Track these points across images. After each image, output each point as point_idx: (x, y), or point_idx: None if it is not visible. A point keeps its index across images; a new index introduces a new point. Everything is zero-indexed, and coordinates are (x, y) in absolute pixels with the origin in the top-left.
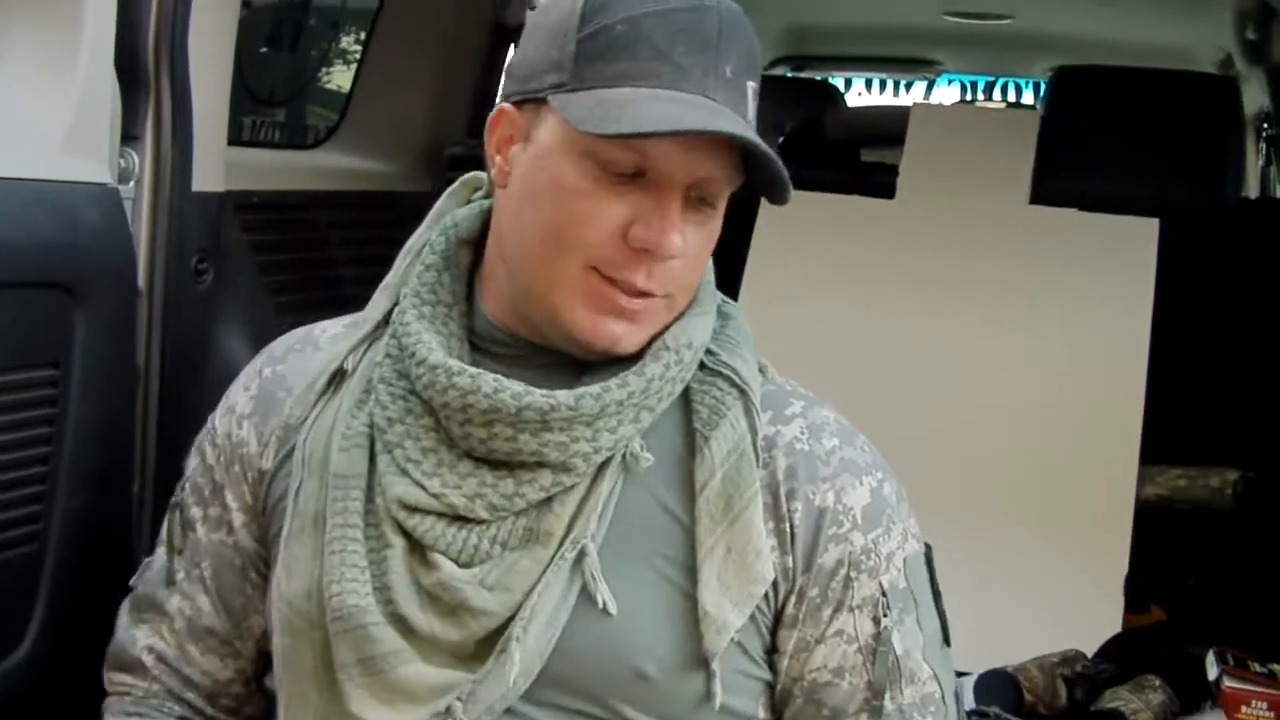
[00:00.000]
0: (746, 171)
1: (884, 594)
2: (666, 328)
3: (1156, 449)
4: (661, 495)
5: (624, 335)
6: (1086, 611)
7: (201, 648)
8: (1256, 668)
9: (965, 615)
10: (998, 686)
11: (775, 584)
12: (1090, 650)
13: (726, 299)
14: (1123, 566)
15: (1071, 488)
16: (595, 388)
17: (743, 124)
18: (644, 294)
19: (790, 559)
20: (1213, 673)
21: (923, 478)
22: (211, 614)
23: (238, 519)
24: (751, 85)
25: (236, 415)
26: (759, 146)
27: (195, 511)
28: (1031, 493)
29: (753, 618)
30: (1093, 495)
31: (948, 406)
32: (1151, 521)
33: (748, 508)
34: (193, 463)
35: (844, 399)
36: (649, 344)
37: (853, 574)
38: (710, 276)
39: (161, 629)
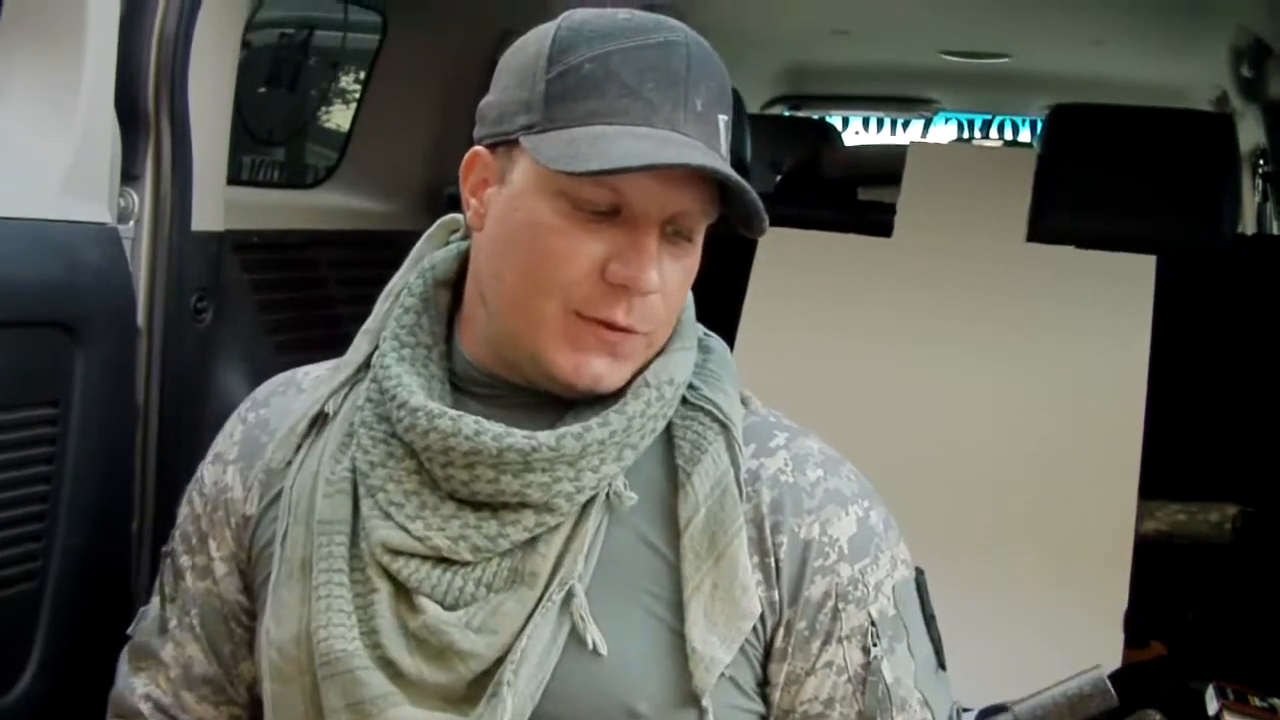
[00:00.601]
0: (722, 204)
1: (873, 623)
2: (648, 364)
3: (1155, 484)
4: (646, 533)
5: (606, 373)
6: (1086, 646)
7: (196, 695)
8: (1257, 702)
9: (964, 651)
10: None
11: (763, 617)
12: None
13: (709, 332)
14: (1122, 601)
15: (1071, 523)
16: (576, 427)
17: (715, 157)
18: (629, 331)
19: (776, 592)
20: (1213, 707)
21: (921, 514)
22: (204, 661)
23: (220, 569)
24: (723, 118)
25: (223, 462)
26: (732, 179)
27: (185, 560)
28: (1031, 528)
29: (744, 651)
30: (1092, 530)
31: (946, 443)
32: (1151, 556)
33: (732, 543)
34: (183, 511)
35: (842, 436)
36: (630, 382)
37: (840, 605)
38: (690, 311)
39: (158, 677)
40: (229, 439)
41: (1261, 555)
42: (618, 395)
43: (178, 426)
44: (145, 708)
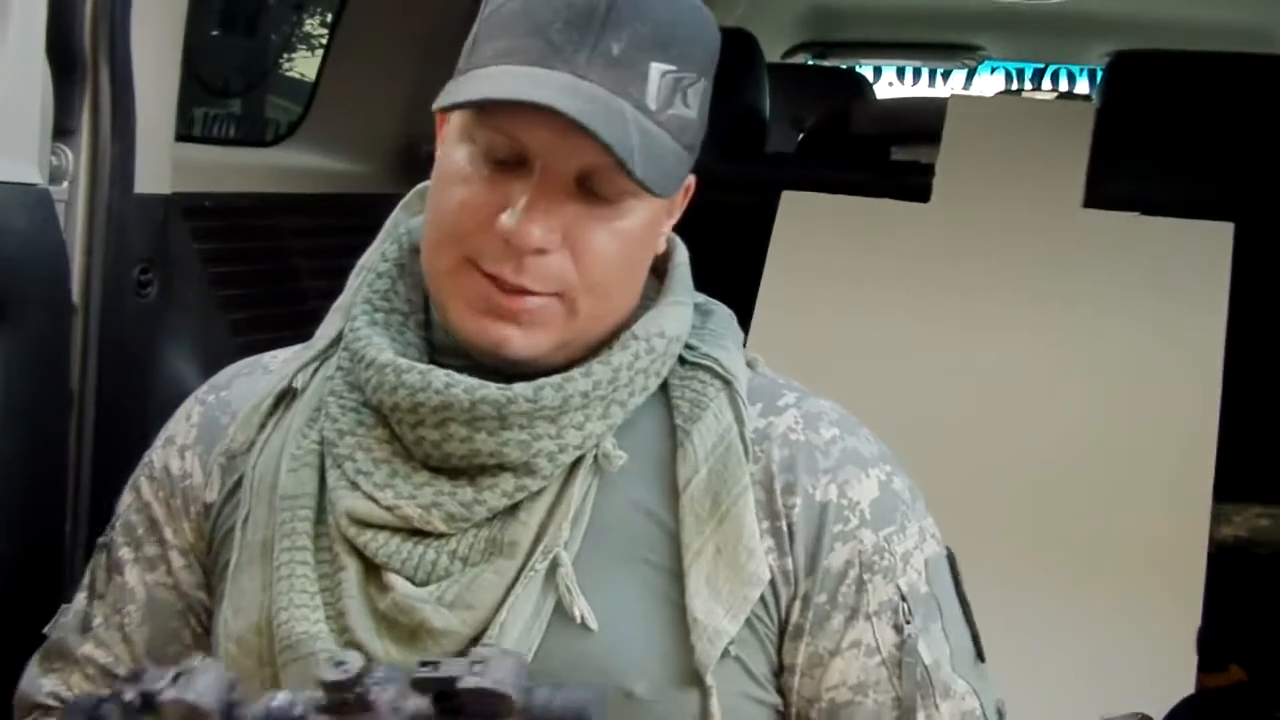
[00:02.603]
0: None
1: (904, 598)
2: (628, 328)
3: (1233, 484)
4: (642, 498)
5: (510, 338)
6: (1154, 670)
7: None
8: None
9: (1014, 675)
10: None
11: (775, 590)
12: (1159, 715)
13: (710, 299)
14: (1195, 618)
15: (1135, 529)
16: (556, 378)
17: (580, 99)
18: (520, 290)
19: (790, 561)
20: None
21: (964, 517)
22: (130, 666)
23: (177, 560)
24: (659, 66)
25: (177, 446)
26: (587, 125)
27: (125, 553)
28: (1087, 535)
29: (754, 630)
30: (1160, 537)
31: (992, 437)
32: (1228, 567)
33: (736, 503)
34: (126, 500)
35: (872, 427)
36: (617, 335)
37: (865, 576)
38: (684, 268)
39: (70, 678)
40: (185, 422)
41: None
42: (604, 349)
43: (117, 416)
44: (53, 703)
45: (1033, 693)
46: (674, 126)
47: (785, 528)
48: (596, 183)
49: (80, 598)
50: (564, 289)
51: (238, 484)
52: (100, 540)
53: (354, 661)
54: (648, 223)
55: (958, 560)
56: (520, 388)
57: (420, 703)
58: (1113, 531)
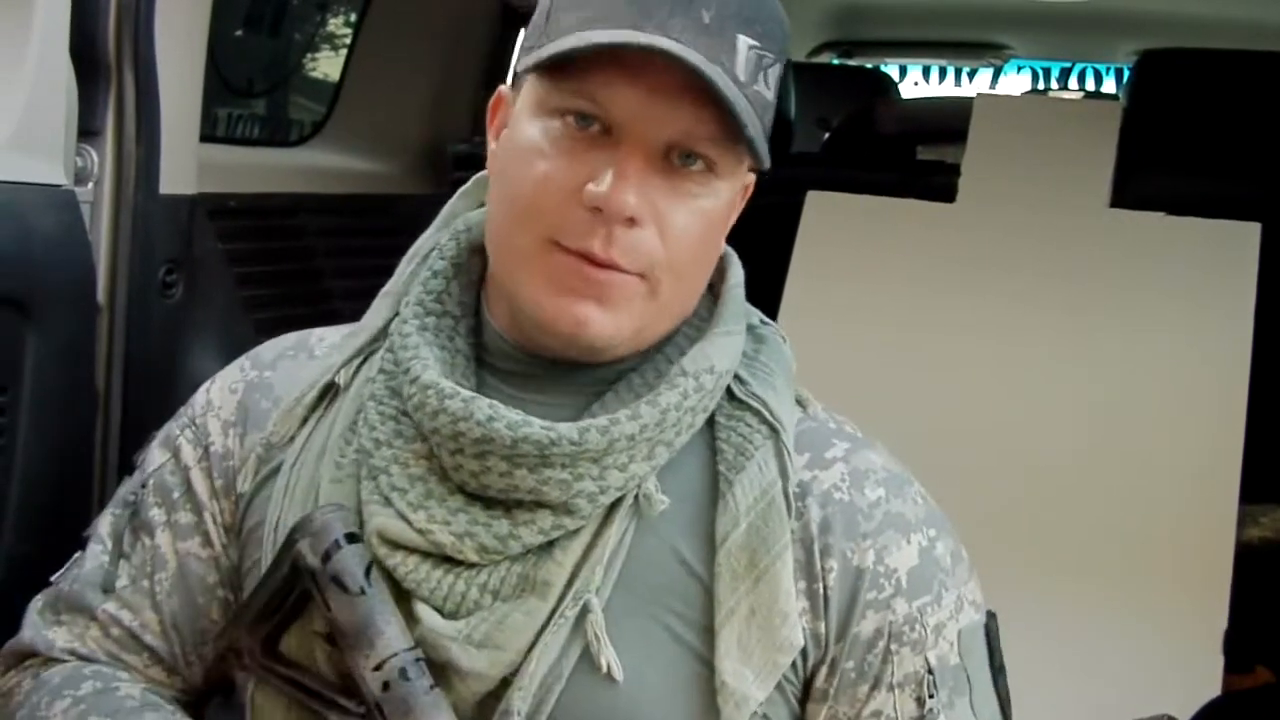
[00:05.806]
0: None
1: (930, 671)
2: (672, 340)
3: (1260, 485)
4: (678, 545)
5: (593, 319)
6: (1180, 672)
7: (143, 659)
8: None
9: (1036, 679)
10: None
11: (805, 651)
12: (1185, 717)
13: (766, 319)
14: (1222, 620)
15: (1161, 530)
16: (603, 420)
17: (685, 48)
18: (610, 266)
19: (823, 625)
20: None
21: (987, 522)
22: (158, 633)
23: (215, 536)
24: (746, 40)
25: (221, 420)
26: (708, 77)
27: (156, 514)
28: (1113, 536)
29: (780, 689)
30: (1186, 538)
31: (1016, 440)
32: (1255, 567)
33: (775, 563)
34: (158, 458)
35: (894, 433)
36: (666, 369)
37: (893, 647)
38: (739, 290)
39: (86, 635)
40: (230, 396)
41: None
42: (651, 384)
43: (143, 415)
44: (65, 659)
45: (1059, 694)
46: (757, 104)
47: (822, 590)
48: (682, 157)
49: (96, 550)
50: (649, 268)
51: (271, 475)
52: (126, 495)
53: None
54: (727, 206)
55: (997, 619)
56: (565, 429)
57: None
58: (1139, 533)
